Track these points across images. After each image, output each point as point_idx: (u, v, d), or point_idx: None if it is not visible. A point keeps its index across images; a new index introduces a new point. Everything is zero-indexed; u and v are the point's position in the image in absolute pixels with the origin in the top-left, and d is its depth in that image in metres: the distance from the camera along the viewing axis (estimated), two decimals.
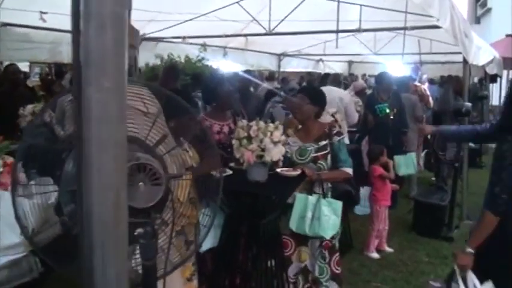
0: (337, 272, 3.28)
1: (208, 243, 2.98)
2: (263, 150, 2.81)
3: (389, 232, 5.12)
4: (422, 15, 5.20)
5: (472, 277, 2.26)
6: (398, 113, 5.92)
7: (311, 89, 3.49)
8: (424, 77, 9.88)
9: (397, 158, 5.47)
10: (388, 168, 4.82)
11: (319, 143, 3.23)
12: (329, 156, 3.23)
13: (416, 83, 7.92)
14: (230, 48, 8.57)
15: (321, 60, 12.16)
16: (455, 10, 4.75)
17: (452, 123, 5.31)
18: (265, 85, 7.44)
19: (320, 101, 3.30)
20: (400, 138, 5.83)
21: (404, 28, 6.41)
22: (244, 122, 2.96)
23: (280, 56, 10.70)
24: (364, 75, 12.97)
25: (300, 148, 3.24)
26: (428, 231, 4.79)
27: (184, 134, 2.94)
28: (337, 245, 3.30)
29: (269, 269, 3.12)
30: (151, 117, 1.69)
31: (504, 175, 2.22)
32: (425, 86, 8.20)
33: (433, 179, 7.28)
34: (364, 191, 5.53)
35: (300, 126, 3.30)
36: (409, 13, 5.74)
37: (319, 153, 3.22)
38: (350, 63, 13.17)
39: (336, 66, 12.50)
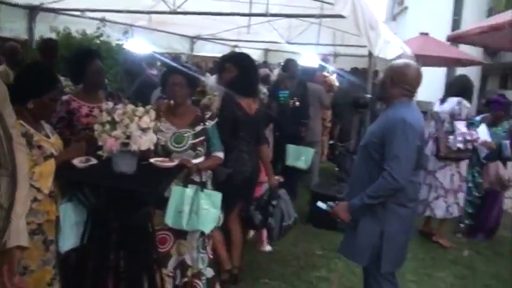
0: (212, 257, 3.23)
1: (69, 242, 2.61)
2: (129, 137, 2.47)
3: None
4: (328, 2, 5.11)
5: None
6: (301, 103, 5.82)
7: (187, 68, 3.20)
8: (332, 68, 9.98)
9: (288, 147, 5.39)
10: None
11: (195, 128, 3.04)
12: (205, 142, 3.08)
13: (325, 73, 7.91)
14: (136, 26, 8.02)
15: (236, 46, 11.89)
16: (360, 1, 4.68)
17: (352, 114, 5.30)
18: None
19: (196, 83, 3.11)
20: (299, 129, 5.72)
21: (312, 16, 6.32)
22: (111, 104, 2.59)
23: (193, 39, 10.28)
24: (279, 63, 12.90)
25: (176, 134, 2.99)
26: (324, 223, 4.70)
27: (45, 116, 2.55)
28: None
29: (140, 267, 2.82)
30: None
31: None
32: (334, 77, 8.20)
33: (337, 169, 7.32)
34: None
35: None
36: (320, 1, 5.67)
37: (197, 139, 3.03)
38: (266, 51, 13.03)
39: (252, 53, 12.24)
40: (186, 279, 3.06)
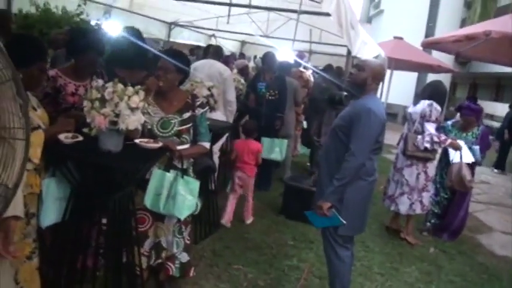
0: (188, 242, 3.26)
1: (51, 217, 2.60)
2: (118, 116, 2.48)
3: (258, 214, 5.12)
4: (314, 0, 5.17)
5: None
6: (278, 97, 5.90)
7: (177, 54, 3.17)
8: (308, 65, 10.09)
9: (263, 140, 5.47)
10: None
11: (183, 115, 3.03)
12: (192, 130, 3.06)
13: (301, 69, 8.01)
14: (116, 8, 7.90)
15: (213, 35, 11.85)
16: (344, 1, 4.77)
17: (329, 110, 5.40)
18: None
19: (185, 69, 3.09)
20: (274, 122, 5.81)
21: (294, 11, 6.37)
22: (101, 82, 2.59)
23: (171, 24, 10.19)
24: (255, 56, 12.94)
25: (163, 119, 2.99)
26: (296, 215, 4.79)
27: (32, 87, 2.52)
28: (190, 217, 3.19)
29: (119, 245, 2.84)
30: None
31: None
32: (309, 73, 8.31)
33: (308, 164, 7.45)
34: None
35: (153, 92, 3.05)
36: None
37: (184, 127, 3.02)
38: (243, 43, 13.04)
39: (229, 44, 12.27)
40: (160, 261, 3.08)
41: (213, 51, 5.41)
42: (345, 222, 2.99)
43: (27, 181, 2.34)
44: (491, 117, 17.29)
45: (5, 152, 1.46)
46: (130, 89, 2.55)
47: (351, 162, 2.92)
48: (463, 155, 4.94)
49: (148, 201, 2.89)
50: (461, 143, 4.97)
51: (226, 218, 4.71)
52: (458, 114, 5.39)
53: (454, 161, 4.99)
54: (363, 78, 3.08)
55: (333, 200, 2.97)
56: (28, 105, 1.57)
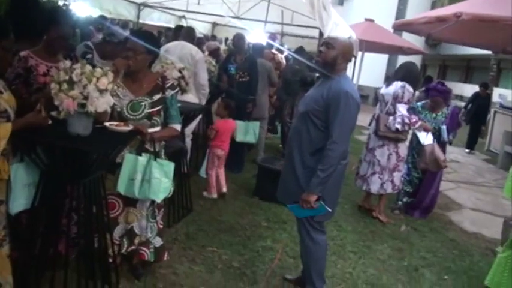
0: (161, 226, 3.26)
1: (20, 204, 2.53)
2: (86, 98, 2.41)
3: (232, 196, 5.13)
4: None
5: None
6: (249, 78, 5.86)
7: (146, 35, 3.08)
8: (285, 46, 10.06)
9: (238, 123, 5.45)
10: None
11: (153, 97, 2.97)
12: (162, 112, 3.00)
13: (274, 51, 7.98)
14: None
15: (184, 17, 11.67)
16: None
17: (301, 91, 5.42)
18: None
19: (156, 49, 3.01)
20: (245, 104, 5.78)
21: None
22: (68, 63, 2.50)
23: (140, 5, 9.98)
24: (226, 39, 12.83)
25: (133, 102, 2.93)
26: (269, 196, 4.80)
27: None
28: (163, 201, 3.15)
29: (91, 231, 2.79)
30: None
31: None
32: (283, 55, 8.29)
33: (281, 145, 7.46)
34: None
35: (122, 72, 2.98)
36: None
37: (154, 109, 2.96)
38: (214, 25, 12.90)
39: (200, 26, 12.11)
40: (133, 248, 3.04)
41: (185, 33, 5.31)
42: (330, 209, 2.99)
43: None
44: (461, 98, 17.64)
45: None
46: (98, 70, 2.48)
47: (334, 150, 2.87)
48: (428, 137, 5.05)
49: (122, 186, 2.85)
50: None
51: (213, 190, 5.02)
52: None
53: (425, 143, 5.08)
54: (332, 56, 2.98)
55: (319, 191, 2.93)
56: None
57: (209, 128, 5.17)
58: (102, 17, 8.37)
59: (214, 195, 5.02)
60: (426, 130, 5.06)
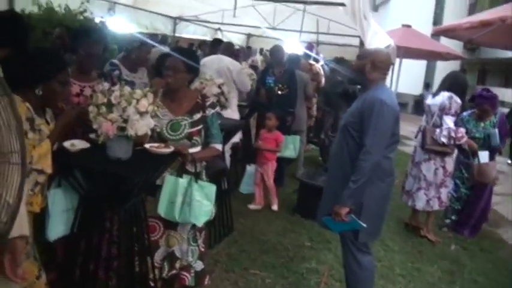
0: (203, 250, 3.11)
1: (59, 230, 2.47)
2: (126, 121, 2.33)
3: (272, 213, 4.97)
4: None
5: None
6: (288, 91, 5.71)
7: (186, 52, 2.99)
8: (321, 56, 9.88)
9: None
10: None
11: (194, 117, 2.87)
12: (203, 131, 2.90)
13: (311, 62, 7.82)
14: (119, 4, 7.73)
15: (219, 29, 11.66)
16: None
17: (343, 104, 5.24)
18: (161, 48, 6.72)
19: (196, 68, 2.91)
20: (285, 118, 5.63)
21: (304, 2, 6.18)
22: (106, 85, 2.44)
23: (176, 19, 10.02)
24: (262, 49, 12.75)
25: (172, 121, 2.84)
26: (311, 214, 4.63)
27: (53, 102, 2.35)
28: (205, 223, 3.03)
29: (132, 255, 2.70)
30: None
31: None
32: (320, 65, 8.10)
33: (320, 158, 7.28)
34: (250, 169, 5.31)
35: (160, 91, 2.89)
36: None
37: (195, 129, 2.86)
38: (249, 36, 12.84)
39: (235, 38, 12.07)
40: (174, 272, 2.94)
41: (224, 48, 5.25)
42: (365, 225, 2.83)
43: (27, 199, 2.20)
44: (502, 103, 16.99)
45: (6, 173, 1.32)
46: (138, 92, 2.40)
47: (367, 160, 2.73)
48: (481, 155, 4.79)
49: (162, 209, 2.75)
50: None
51: (258, 201, 5.18)
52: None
53: (482, 161, 4.83)
54: (360, 66, 2.94)
55: (350, 204, 2.79)
56: (23, 127, 1.42)
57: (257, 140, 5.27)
58: (140, 33, 8.43)
59: (256, 206, 5.15)
60: (470, 146, 4.80)
